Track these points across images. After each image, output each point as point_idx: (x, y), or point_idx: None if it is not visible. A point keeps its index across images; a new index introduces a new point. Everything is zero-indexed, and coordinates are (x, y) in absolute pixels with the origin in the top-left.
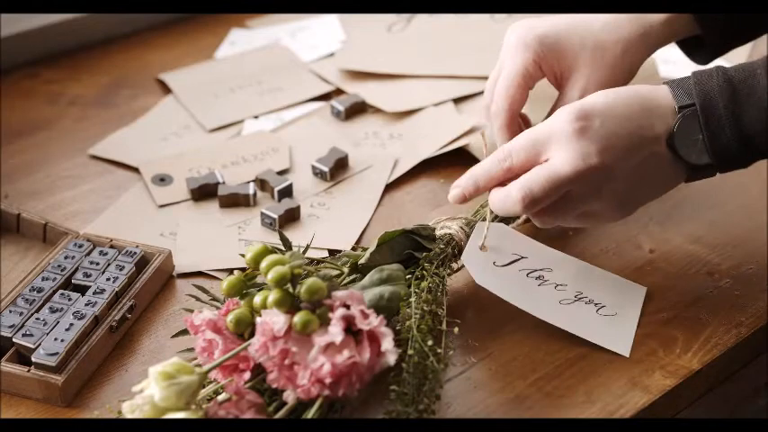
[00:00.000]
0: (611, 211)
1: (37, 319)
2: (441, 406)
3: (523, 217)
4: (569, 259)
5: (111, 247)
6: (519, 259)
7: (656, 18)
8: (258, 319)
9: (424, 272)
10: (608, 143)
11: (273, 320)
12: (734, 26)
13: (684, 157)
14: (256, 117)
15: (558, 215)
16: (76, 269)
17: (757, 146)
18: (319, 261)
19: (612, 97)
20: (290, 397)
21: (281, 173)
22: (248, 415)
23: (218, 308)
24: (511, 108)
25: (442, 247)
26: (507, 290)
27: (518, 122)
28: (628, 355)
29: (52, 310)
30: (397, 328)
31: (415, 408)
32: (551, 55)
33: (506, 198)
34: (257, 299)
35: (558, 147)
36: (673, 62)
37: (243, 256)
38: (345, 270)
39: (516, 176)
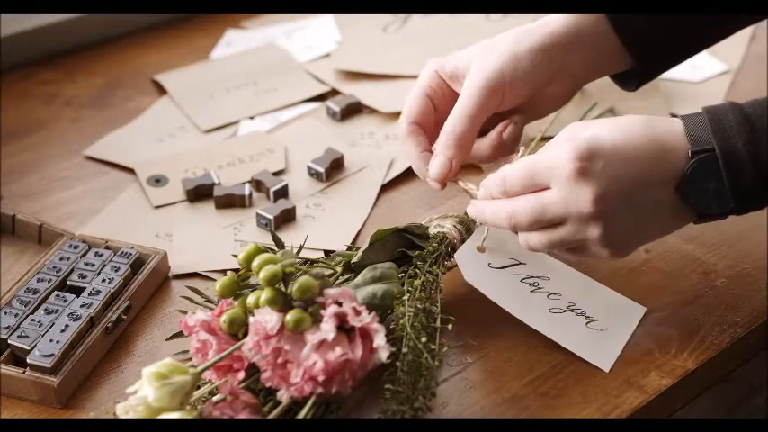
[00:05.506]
0: (602, 252)
1: (32, 320)
2: (436, 406)
3: None
4: (571, 272)
5: (107, 248)
6: (516, 264)
7: (559, 16)
8: (251, 319)
9: (418, 270)
10: (607, 189)
11: (266, 319)
12: (661, 50)
13: (694, 206)
14: (252, 118)
15: (545, 244)
16: (72, 270)
17: None
18: (312, 261)
19: (623, 135)
20: (283, 396)
21: (277, 174)
22: (243, 415)
23: (211, 309)
24: (409, 118)
25: (435, 245)
26: (495, 291)
27: (421, 135)
28: (608, 371)
29: (47, 312)
30: (392, 326)
31: (410, 406)
32: (450, 61)
33: (495, 215)
34: (250, 298)
35: (554, 183)
36: None
37: (236, 256)
38: (339, 269)
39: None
